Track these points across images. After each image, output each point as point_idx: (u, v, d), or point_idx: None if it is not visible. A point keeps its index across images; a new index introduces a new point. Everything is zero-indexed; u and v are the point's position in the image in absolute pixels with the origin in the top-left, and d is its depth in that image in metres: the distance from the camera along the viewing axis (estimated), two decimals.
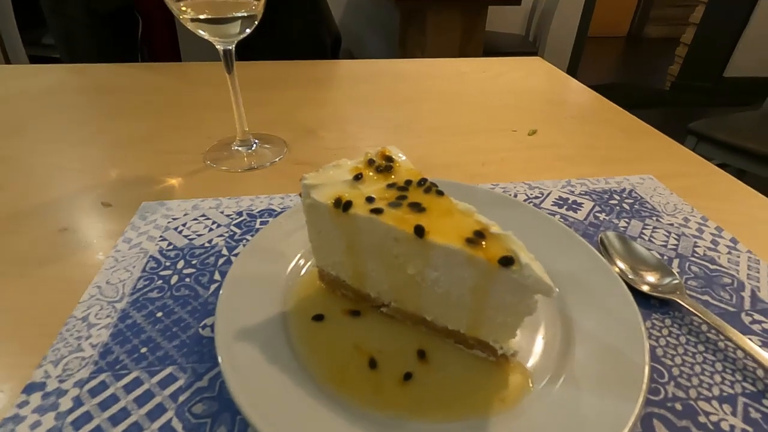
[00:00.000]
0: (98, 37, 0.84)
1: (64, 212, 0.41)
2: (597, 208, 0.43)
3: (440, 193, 0.27)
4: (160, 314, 0.30)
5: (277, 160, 0.51)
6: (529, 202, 0.44)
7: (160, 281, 0.33)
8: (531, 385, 0.25)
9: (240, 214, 0.41)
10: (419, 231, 0.23)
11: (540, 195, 0.45)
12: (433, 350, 0.27)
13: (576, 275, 0.31)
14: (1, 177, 0.46)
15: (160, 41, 0.91)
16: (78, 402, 0.24)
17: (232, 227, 0.39)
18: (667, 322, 0.31)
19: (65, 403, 0.24)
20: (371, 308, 0.30)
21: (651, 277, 0.33)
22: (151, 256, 0.35)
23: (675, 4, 4.33)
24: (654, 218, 0.42)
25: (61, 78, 0.75)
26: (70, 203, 0.42)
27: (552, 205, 0.44)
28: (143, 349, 0.27)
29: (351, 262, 0.28)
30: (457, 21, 1.93)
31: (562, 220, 0.41)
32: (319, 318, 0.29)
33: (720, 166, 0.53)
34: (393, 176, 0.28)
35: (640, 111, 0.67)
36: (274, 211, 0.41)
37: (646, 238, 0.39)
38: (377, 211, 0.25)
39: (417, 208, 0.25)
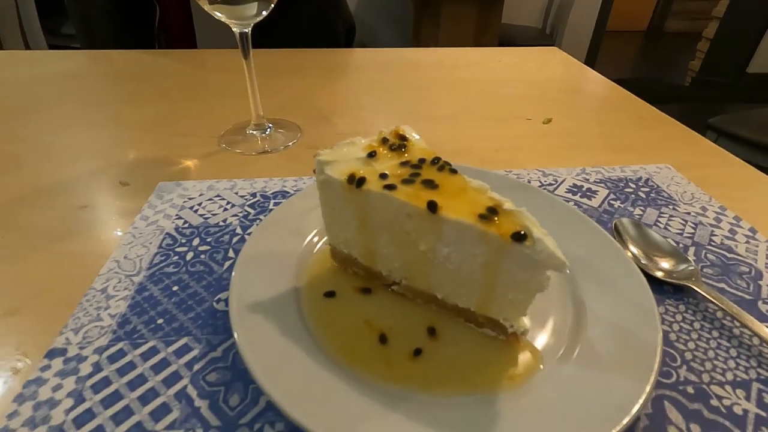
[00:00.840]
0: (116, 24, 0.85)
1: (84, 191, 0.42)
2: (612, 196, 0.43)
3: (453, 172, 0.27)
4: (175, 288, 0.31)
5: (290, 144, 0.51)
6: (544, 188, 0.43)
7: (176, 257, 0.33)
8: (540, 363, 0.25)
9: (254, 195, 0.41)
10: (432, 206, 0.24)
11: (554, 182, 0.45)
12: (443, 327, 0.27)
13: (589, 259, 0.31)
14: (21, 156, 0.47)
15: (176, 29, 0.92)
16: (97, 367, 0.25)
17: (246, 207, 0.39)
18: (681, 308, 0.31)
19: (85, 368, 0.25)
20: (382, 286, 0.30)
21: (665, 264, 0.33)
22: (167, 234, 0.36)
23: None
24: (670, 207, 0.41)
25: (80, 64, 0.76)
26: (89, 182, 0.43)
27: (566, 192, 0.43)
28: (159, 321, 0.28)
29: (363, 239, 0.28)
30: (472, 13, 1.90)
31: (576, 206, 0.41)
32: (330, 294, 0.29)
33: None
34: (406, 154, 0.28)
35: (658, 106, 0.65)
36: (288, 192, 0.42)
37: (662, 226, 0.39)
38: (390, 187, 0.25)
39: (430, 185, 0.25)
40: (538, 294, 0.24)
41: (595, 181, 0.45)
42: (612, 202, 0.42)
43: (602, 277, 0.30)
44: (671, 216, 0.40)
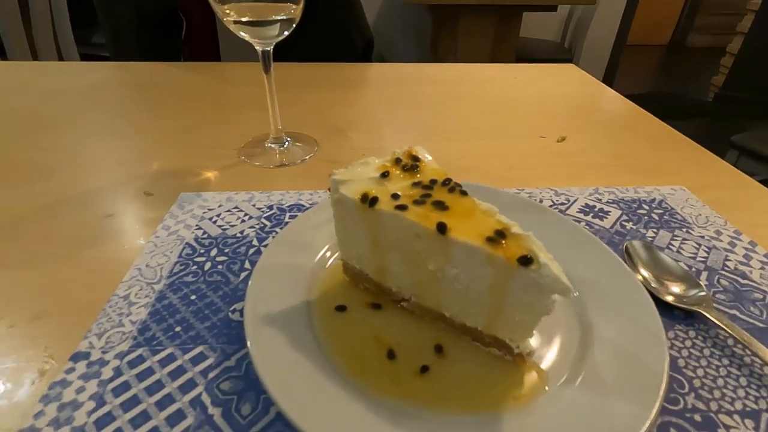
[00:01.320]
0: (144, 37, 0.89)
1: (110, 200, 0.44)
2: (624, 217, 0.43)
3: (464, 193, 0.27)
4: (193, 297, 0.32)
5: (307, 157, 0.52)
6: (555, 208, 0.44)
7: (195, 267, 0.35)
8: (546, 385, 0.25)
9: (270, 207, 0.42)
10: (441, 228, 0.24)
11: (566, 202, 0.45)
12: (450, 346, 0.28)
13: (597, 281, 0.31)
14: (52, 165, 0.49)
15: (201, 42, 0.95)
16: (118, 372, 0.26)
17: (263, 220, 0.41)
18: (691, 333, 0.30)
19: (107, 372, 0.26)
20: (392, 302, 0.31)
21: (676, 288, 0.33)
22: (187, 243, 0.37)
23: (721, 13, 4.15)
24: (684, 230, 0.41)
25: (108, 75, 0.79)
26: (115, 191, 0.45)
27: (578, 212, 0.44)
28: (177, 328, 0.29)
29: (374, 256, 0.29)
30: (490, 27, 1.92)
31: (587, 227, 0.41)
32: (341, 309, 0.30)
33: (762, 182, 0.51)
34: (418, 175, 0.29)
35: (680, 122, 0.65)
36: (303, 206, 0.43)
37: (675, 249, 0.39)
38: (401, 208, 0.26)
39: (440, 206, 0.26)
40: (544, 316, 0.24)
41: (607, 202, 0.45)
42: (624, 223, 0.42)
43: (611, 300, 0.30)
44: (684, 239, 0.40)
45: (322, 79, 0.80)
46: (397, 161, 0.30)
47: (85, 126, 0.59)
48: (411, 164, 0.30)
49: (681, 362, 0.28)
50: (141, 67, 0.82)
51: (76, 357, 0.27)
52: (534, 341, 0.27)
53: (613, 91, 0.79)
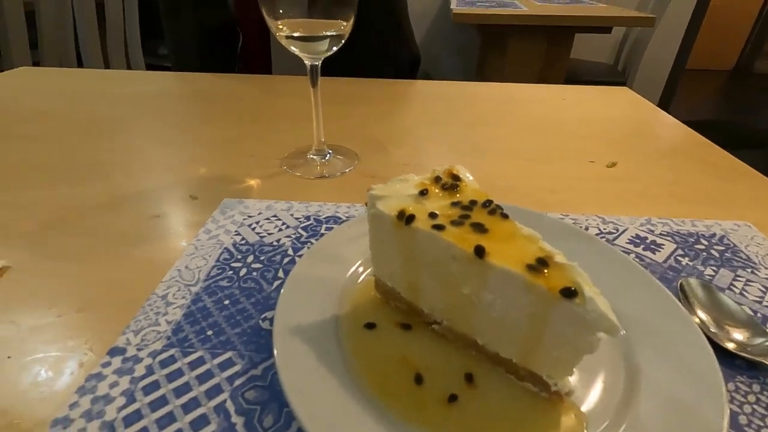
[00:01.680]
0: (203, 50, 0.94)
1: (158, 201, 0.46)
2: (679, 252, 0.40)
3: (505, 216, 0.26)
4: (227, 302, 0.32)
5: (347, 170, 0.53)
6: (602, 237, 0.41)
7: (231, 272, 0.35)
8: (584, 430, 0.23)
9: (308, 218, 0.43)
10: (479, 251, 0.23)
11: (614, 231, 0.42)
12: (481, 375, 0.26)
13: (648, 320, 0.29)
14: (111, 166, 0.52)
15: (254, 55, 0.99)
16: (150, 370, 0.27)
17: (300, 230, 0.41)
18: (756, 387, 0.27)
19: (139, 370, 0.27)
20: (423, 324, 0.30)
21: (739, 335, 0.30)
22: (225, 248, 0.38)
23: None
24: (748, 270, 0.38)
25: (169, 84, 0.84)
26: (163, 194, 0.47)
27: (627, 242, 0.41)
28: (209, 332, 0.30)
29: (408, 275, 0.29)
30: (539, 48, 1.89)
31: (637, 260, 0.39)
32: (371, 326, 0.29)
33: None
34: (458, 195, 0.28)
35: (743, 152, 0.61)
36: (340, 218, 0.43)
37: (737, 291, 0.35)
38: (438, 228, 0.25)
39: (479, 228, 0.25)
40: (587, 354, 0.23)
41: (661, 234, 0.42)
42: (679, 258, 0.39)
43: (662, 342, 0.27)
44: (749, 281, 0.36)
45: (367, 94, 0.81)
46: (437, 179, 0.30)
47: (144, 131, 0.63)
48: (451, 183, 0.29)
49: (743, 419, 0.26)
50: (198, 78, 0.87)
51: (113, 352, 0.28)
52: (574, 380, 0.25)
53: (670, 116, 0.75)
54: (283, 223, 0.42)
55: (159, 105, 0.73)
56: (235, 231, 0.41)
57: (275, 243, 0.39)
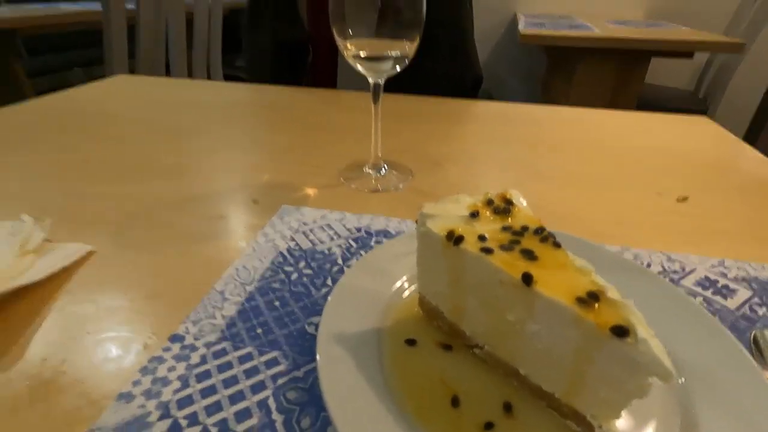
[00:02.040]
0: (275, 63, 1.00)
1: (223, 203, 0.49)
2: (756, 300, 0.36)
3: (557, 245, 0.26)
4: (277, 303, 0.34)
5: (401, 186, 0.54)
6: (665, 276, 0.39)
7: (283, 275, 0.37)
8: None
9: (359, 229, 0.44)
10: (527, 279, 0.23)
11: (680, 270, 0.40)
12: (521, 407, 0.26)
13: (711, 371, 0.27)
14: (184, 167, 0.57)
15: (322, 70, 1.04)
16: (203, 359, 0.29)
17: (350, 240, 0.42)
18: None
19: (194, 358, 0.29)
20: (464, 346, 0.29)
21: None
22: (280, 252, 0.40)
23: None
24: None
25: (241, 95, 0.91)
26: (228, 196, 0.51)
27: (694, 284, 0.38)
28: (259, 330, 0.32)
29: (452, 295, 0.29)
30: (611, 72, 1.80)
31: (705, 304, 0.36)
32: (411, 342, 0.30)
33: None
34: (510, 220, 0.28)
35: None
36: (390, 233, 0.44)
37: None
38: (487, 251, 0.25)
39: (529, 255, 0.25)
40: (636, 399, 0.21)
41: (735, 278, 0.39)
42: (755, 307, 0.36)
43: (726, 396, 0.25)
44: None
45: (427, 111, 0.82)
46: (489, 202, 0.30)
47: (217, 136, 0.68)
48: (503, 207, 0.29)
49: None
50: (268, 90, 0.92)
51: (173, 338, 0.31)
52: (621, 424, 0.24)
53: (755, 150, 0.69)
54: (336, 233, 0.43)
55: (232, 113, 0.79)
56: (291, 236, 0.43)
57: (326, 251, 0.41)
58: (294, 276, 0.37)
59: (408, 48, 0.46)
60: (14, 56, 1.82)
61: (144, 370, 0.28)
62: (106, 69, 1.61)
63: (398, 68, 0.48)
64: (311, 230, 0.44)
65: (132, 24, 1.61)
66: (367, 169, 0.56)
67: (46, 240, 0.39)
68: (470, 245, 0.26)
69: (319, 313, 0.33)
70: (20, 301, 0.34)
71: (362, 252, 0.41)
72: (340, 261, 0.39)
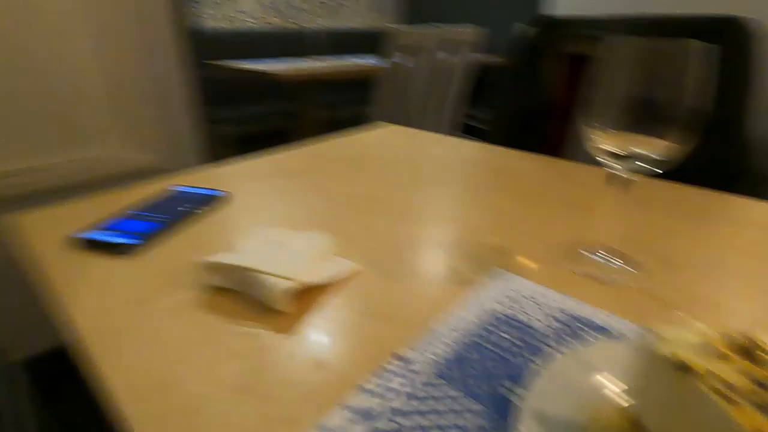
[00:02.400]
0: (515, 129, 1.08)
1: (446, 252, 0.58)
2: None
3: None
4: (490, 363, 0.39)
5: (626, 281, 0.52)
6: None
7: (486, 333, 0.42)
8: None
9: (578, 318, 0.45)
10: None
11: None
12: None
13: None
14: (415, 212, 0.69)
15: (555, 139, 1.07)
16: (419, 385, 0.37)
17: (565, 324, 0.44)
18: None
19: (418, 379, 0.37)
20: None
21: None
22: (485, 310, 0.46)
23: None
24: None
25: (475, 153, 1.01)
26: (457, 248, 0.59)
27: None
28: (470, 381, 0.37)
29: (667, 426, 0.28)
30: None
31: None
32: None
33: None
34: (760, 368, 0.26)
35: None
36: (607, 330, 0.43)
37: None
38: (725, 397, 0.24)
39: None
40: None
41: None
42: None
43: None
44: None
45: (674, 201, 0.75)
46: (730, 339, 0.28)
47: (448, 189, 0.79)
48: (748, 349, 0.27)
49: None
50: (504, 152, 1.00)
51: (402, 358, 0.39)
52: None
53: None
54: (551, 315, 0.46)
55: (467, 169, 0.90)
56: (509, 304, 0.47)
57: (539, 328, 0.44)
58: (494, 338, 0.42)
59: (675, 150, 0.43)
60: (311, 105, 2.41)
61: (375, 378, 0.37)
62: (369, 109, 2.03)
63: (655, 170, 0.47)
64: (520, 299, 0.48)
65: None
66: (591, 254, 0.56)
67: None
68: (703, 384, 0.25)
69: (515, 380, 0.37)
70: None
71: (574, 342, 0.42)
72: (552, 343, 0.42)
